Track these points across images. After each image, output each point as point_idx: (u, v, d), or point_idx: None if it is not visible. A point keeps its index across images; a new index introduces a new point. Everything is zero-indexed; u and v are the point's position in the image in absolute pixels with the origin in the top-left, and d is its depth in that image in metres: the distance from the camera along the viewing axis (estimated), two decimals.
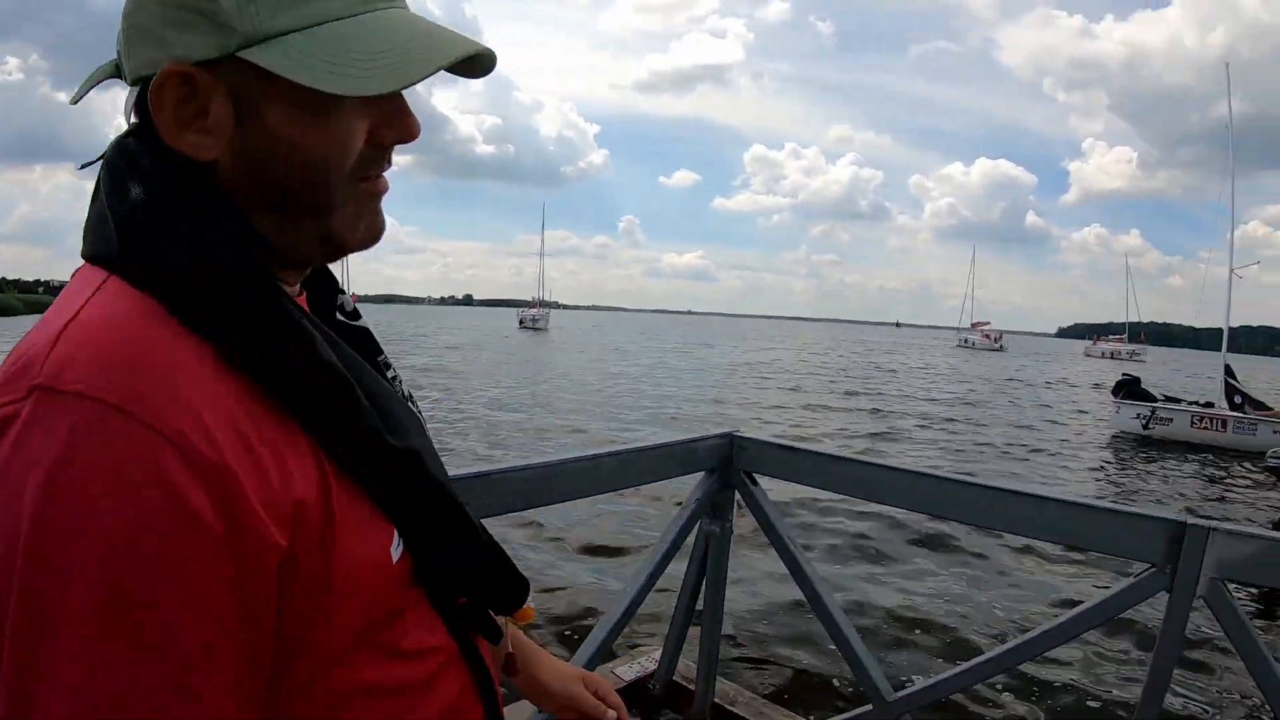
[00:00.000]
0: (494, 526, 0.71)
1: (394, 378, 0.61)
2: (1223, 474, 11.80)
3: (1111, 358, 60.29)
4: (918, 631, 4.37)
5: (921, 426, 14.65)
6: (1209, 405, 14.57)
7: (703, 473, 1.71)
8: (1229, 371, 14.64)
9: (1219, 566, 1.18)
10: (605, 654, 1.65)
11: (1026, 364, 44.77)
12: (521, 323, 59.10)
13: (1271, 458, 8.07)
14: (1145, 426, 14.43)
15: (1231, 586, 1.21)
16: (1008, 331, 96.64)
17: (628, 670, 1.93)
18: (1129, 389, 14.84)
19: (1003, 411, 18.47)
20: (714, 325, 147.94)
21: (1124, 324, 71.63)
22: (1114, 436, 14.67)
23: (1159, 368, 48.34)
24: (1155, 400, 14.77)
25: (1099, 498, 7.81)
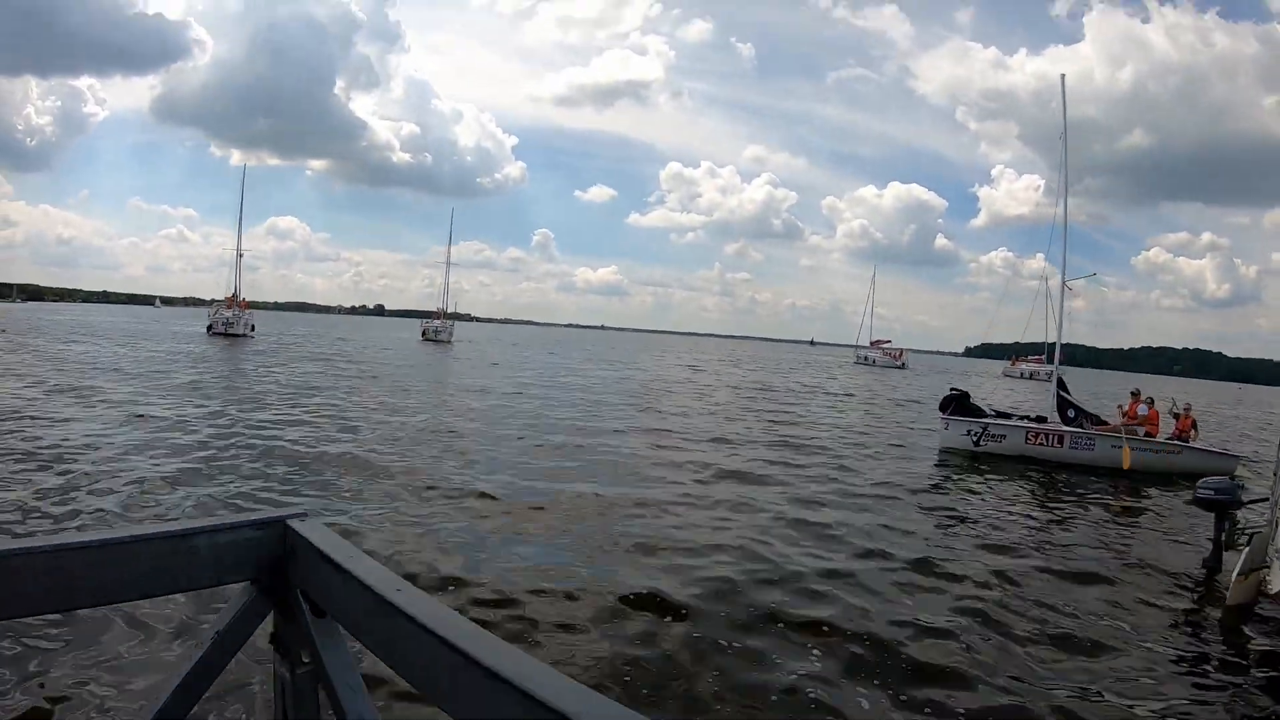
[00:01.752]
0: None
1: None
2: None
3: (1031, 378, 61.26)
4: None
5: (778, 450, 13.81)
6: (1041, 420, 14.02)
7: (246, 583, 1.13)
8: (1061, 384, 14.23)
9: None
10: None
11: (926, 382, 44.87)
12: (424, 334, 57.36)
13: (1202, 489, 7.19)
14: (976, 443, 13.83)
15: None
16: (916, 350, 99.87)
17: None
18: (958, 404, 14.11)
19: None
20: (628, 340, 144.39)
21: (1042, 344, 73.16)
22: (942, 453, 13.84)
23: (1075, 388, 48.68)
24: (986, 415, 14.08)
25: None
